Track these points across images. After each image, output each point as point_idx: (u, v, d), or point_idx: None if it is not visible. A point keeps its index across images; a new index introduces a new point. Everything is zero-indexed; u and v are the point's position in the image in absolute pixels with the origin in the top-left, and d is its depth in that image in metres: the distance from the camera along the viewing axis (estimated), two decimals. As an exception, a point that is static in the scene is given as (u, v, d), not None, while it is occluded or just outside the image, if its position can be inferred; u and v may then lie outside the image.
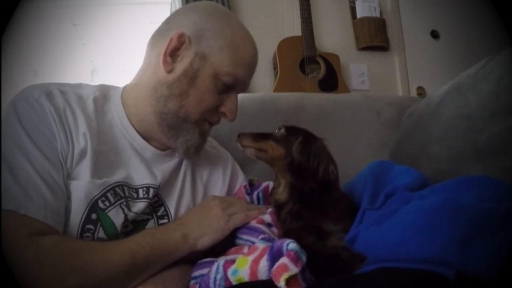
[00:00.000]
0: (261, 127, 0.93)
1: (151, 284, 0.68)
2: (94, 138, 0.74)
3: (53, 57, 3.46)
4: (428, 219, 0.57)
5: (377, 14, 2.40)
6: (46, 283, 0.58)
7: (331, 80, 2.15)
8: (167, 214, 0.83)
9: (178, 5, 2.16)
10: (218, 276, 0.62)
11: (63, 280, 0.59)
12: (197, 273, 0.70)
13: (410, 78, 2.39)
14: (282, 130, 0.86)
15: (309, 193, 0.78)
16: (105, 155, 0.76)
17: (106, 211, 0.72)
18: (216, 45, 0.78)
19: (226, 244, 0.78)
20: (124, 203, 0.75)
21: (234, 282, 0.60)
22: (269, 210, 0.82)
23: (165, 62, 0.78)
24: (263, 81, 2.16)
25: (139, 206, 0.77)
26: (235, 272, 0.60)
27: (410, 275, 0.50)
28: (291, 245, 0.56)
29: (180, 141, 0.82)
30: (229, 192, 0.97)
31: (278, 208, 0.82)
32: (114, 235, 0.72)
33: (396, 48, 2.42)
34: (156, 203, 0.83)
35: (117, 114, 0.82)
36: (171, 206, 0.84)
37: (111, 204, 0.73)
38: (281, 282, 0.51)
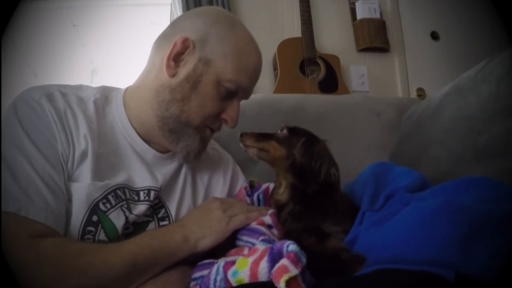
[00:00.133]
0: (261, 128, 0.93)
1: (152, 285, 0.68)
2: (95, 140, 0.74)
3: (53, 58, 3.45)
4: (428, 220, 0.57)
5: (377, 16, 2.40)
6: (46, 285, 0.58)
7: (331, 82, 2.15)
8: (168, 216, 0.83)
9: (178, 6, 2.16)
10: (218, 278, 0.62)
11: (63, 281, 0.59)
12: (197, 274, 0.70)
13: (410, 80, 2.39)
14: (285, 131, 0.86)
15: (311, 194, 0.78)
16: (106, 157, 0.76)
17: (107, 213, 0.72)
18: (220, 51, 0.78)
19: (226, 245, 0.78)
20: (125, 206, 0.75)
21: (234, 284, 0.60)
22: (270, 211, 0.82)
23: (168, 66, 0.78)
24: (263, 83, 2.15)
25: (140, 208, 0.77)
26: (235, 273, 0.60)
27: (410, 277, 0.50)
28: (291, 246, 0.56)
29: (181, 146, 0.82)
30: (230, 193, 0.97)
31: (279, 209, 0.82)
32: (115, 237, 0.72)
33: (396, 49, 2.42)
34: (157, 205, 0.83)
35: (118, 116, 0.82)
36: (172, 208, 0.84)
37: (112, 206, 0.73)
38: (281, 284, 0.51)
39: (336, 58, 2.23)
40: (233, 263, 0.63)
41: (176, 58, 0.78)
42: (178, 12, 2.17)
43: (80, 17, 3.19)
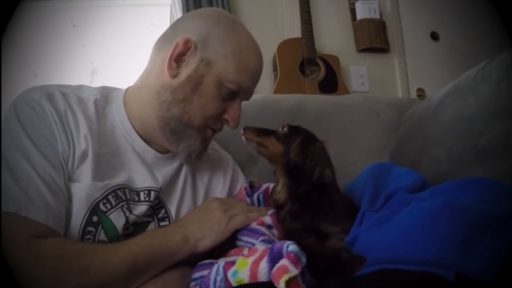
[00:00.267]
0: (261, 128, 0.93)
1: (152, 285, 0.68)
2: (95, 140, 0.75)
3: (53, 58, 3.45)
4: (427, 221, 0.57)
5: (377, 16, 2.40)
6: (46, 285, 0.58)
7: (331, 82, 2.15)
8: (168, 216, 0.83)
9: (178, 7, 2.16)
10: (218, 278, 0.63)
11: (63, 282, 0.59)
12: (197, 274, 0.70)
13: (410, 80, 2.39)
14: (286, 129, 0.87)
15: (305, 194, 0.78)
16: (106, 157, 0.76)
17: (107, 214, 0.72)
18: (222, 52, 0.78)
19: (226, 245, 0.78)
20: (126, 206, 0.75)
21: (234, 284, 0.60)
22: (270, 212, 0.82)
23: (170, 67, 0.78)
24: (263, 83, 2.14)
25: (140, 209, 0.77)
26: (235, 273, 0.60)
27: (409, 277, 0.50)
28: (291, 247, 0.56)
29: (182, 147, 0.82)
30: (230, 194, 0.97)
31: (278, 208, 0.82)
32: (115, 238, 0.72)
33: (396, 49, 2.42)
34: (157, 206, 0.83)
35: (118, 116, 0.82)
36: (172, 208, 0.84)
37: (112, 207, 0.73)
38: (281, 284, 0.51)
39: (336, 59, 2.23)
40: (233, 263, 0.63)
41: (177, 59, 0.78)
42: (178, 12, 2.18)
43: (80, 18, 3.19)
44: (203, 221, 0.77)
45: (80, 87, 0.83)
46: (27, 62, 3.32)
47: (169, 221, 0.82)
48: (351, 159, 1.22)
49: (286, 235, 0.76)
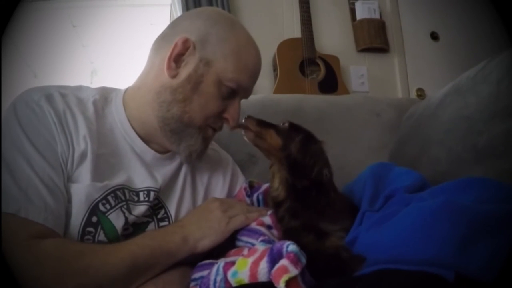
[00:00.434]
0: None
1: (152, 285, 0.68)
2: (94, 141, 0.75)
3: (53, 59, 3.46)
4: (427, 220, 0.57)
5: (377, 16, 2.40)
6: (46, 285, 0.58)
7: (331, 82, 2.15)
8: (167, 217, 0.83)
9: (178, 7, 2.16)
10: (218, 278, 0.62)
11: (63, 282, 0.59)
12: (197, 275, 0.70)
13: (409, 80, 2.38)
14: (286, 125, 0.87)
15: (303, 191, 0.78)
16: (105, 158, 0.76)
17: (106, 214, 0.72)
18: (220, 51, 0.79)
19: (226, 246, 0.78)
20: (125, 206, 0.75)
21: (234, 284, 0.60)
22: (269, 212, 0.82)
23: (169, 67, 0.78)
24: (263, 83, 2.15)
25: (140, 209, 0.77)
26: (235, 274, 0.60)
27: (409, 277, 0.50)
28: (291, 247, 0.56)
29: (183, 146, 0.82)
30: (229, 194, 0.97)
31: (276, 206, 0.82)
32: (114, 238, 0.72)
33: (396, 49, 2.42)
34: (157, 206, 0.83)
35: (118, 117, 0.82)
36: (172, 208, 0.84)
37: (111, 207, 0.73)
38: (281, 284, 0.51)
39: (335, 59, 2.23)
40: (233, 263, 0.63)
41: (176, 59, 0.78)
42: (178, 12, 2.17)
43: (80, 18, 3.20)
44: (202, 221, 0.77)
45: (79, 88, 0.83)
46: (27, 62, 3.32)
47: (169, 221, 0.82)
48: (351, 159, 1.23)
49: (285, 233, 0.76)
